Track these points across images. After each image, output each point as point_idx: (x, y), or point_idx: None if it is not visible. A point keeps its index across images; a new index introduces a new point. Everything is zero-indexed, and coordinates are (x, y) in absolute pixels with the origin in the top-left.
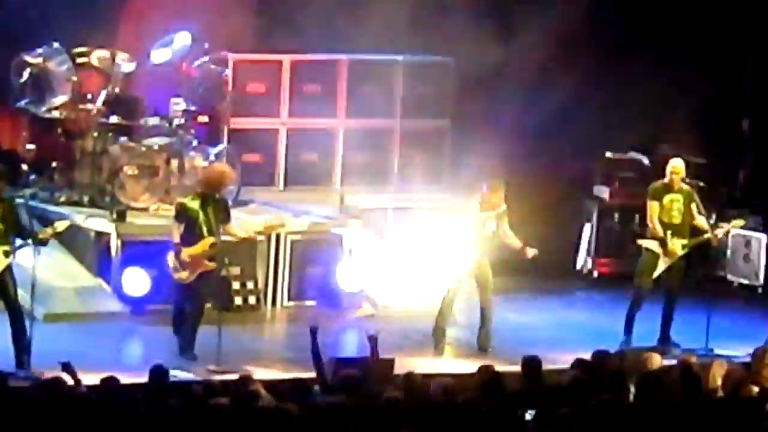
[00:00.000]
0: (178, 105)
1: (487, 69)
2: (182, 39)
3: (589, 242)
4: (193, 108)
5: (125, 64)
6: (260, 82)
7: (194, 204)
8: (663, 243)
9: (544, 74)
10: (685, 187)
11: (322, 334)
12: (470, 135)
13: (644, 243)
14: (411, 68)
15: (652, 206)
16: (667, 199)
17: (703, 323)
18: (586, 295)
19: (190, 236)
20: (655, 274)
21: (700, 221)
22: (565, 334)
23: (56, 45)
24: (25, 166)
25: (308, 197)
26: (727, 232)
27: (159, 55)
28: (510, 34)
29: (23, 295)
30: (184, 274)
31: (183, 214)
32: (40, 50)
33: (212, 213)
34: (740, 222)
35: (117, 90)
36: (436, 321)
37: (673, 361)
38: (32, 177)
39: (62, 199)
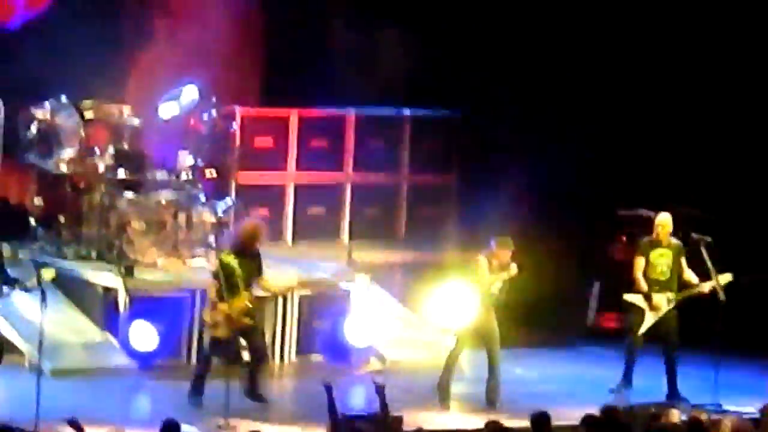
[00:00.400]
0: (185, 159)
1: (496, 124)
2: (190, 93)
3: (599, 298)
4: (200, 162)
5: (133, 118)
6: (268, 136)
7: (231, 260)
8: (648, 298)
9: (553, 130)
10: (675, 241)
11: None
12: (478, 191)
13: (629, 298)
14: (418, 123)
15: (637, 262)
16: (654, 254)
17: (712, 379)
18: (595, 350)
19: (228, 292)
20: (643, 329)
21: (689, 276)
22: (574, 389)
23: (64, 99)
24: (32, 221)
25: (316, 252)
26: (715, 287)
27: (167, 110)
28: (519, 89)
29: (31, 350)
30: (221, 331)
31: (221, 271)
32: (47, 104)
33: (248, 268)
34: (727, 277)
35: (125, 144)
36: (441, 376)
37: (683, 417)
38: (40, 231)
39: (70, 253)
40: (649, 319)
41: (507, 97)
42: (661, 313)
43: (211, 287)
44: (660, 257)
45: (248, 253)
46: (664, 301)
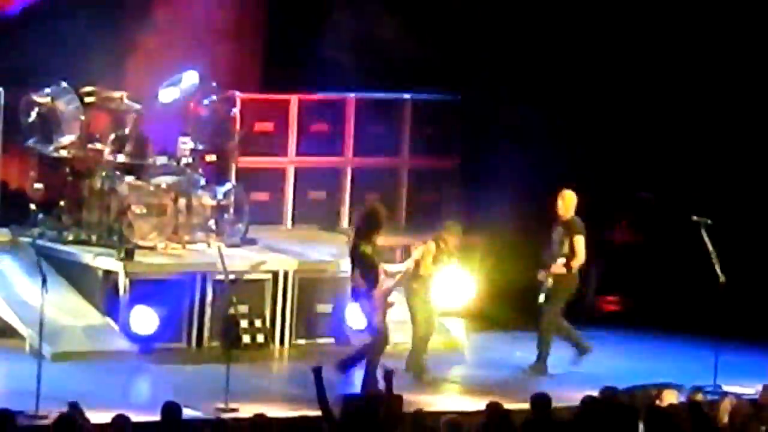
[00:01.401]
0: (185, 144)
1: (496, 108)
2: (190, 78)
3: (597, 281)
4: (200, 147)
5: (133, 103)
6: (268, 121)
7: (369, 249)
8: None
9: (554, 113)
10: (573, 220)
11: (330, 372)
12: (478, 174)
13: None
14: (419, 107)
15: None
16: (555, 230)
17: (711, 360)
18: (594, 332)
19: (374, 280)
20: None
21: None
22: (574, 371)
23: (64, 84)
24: (33, 206)
25: (316, 235)
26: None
27: (167, 95)
28: (519, 72)
29: (31, 334)
30: (381, 318)
31: (365, 263)
32: (48, 90)
33: (378, 251)
34: (559, 266)
35: (125, 129)
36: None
37: (682, 398)
38: (40, 216)
39: (70, 238)
40: (541, 295)
41: (507, 80)
42: (544, 289)
43: (358, 279)
44: (555, 233)
45: (375, 236)
46: (543, 277)
